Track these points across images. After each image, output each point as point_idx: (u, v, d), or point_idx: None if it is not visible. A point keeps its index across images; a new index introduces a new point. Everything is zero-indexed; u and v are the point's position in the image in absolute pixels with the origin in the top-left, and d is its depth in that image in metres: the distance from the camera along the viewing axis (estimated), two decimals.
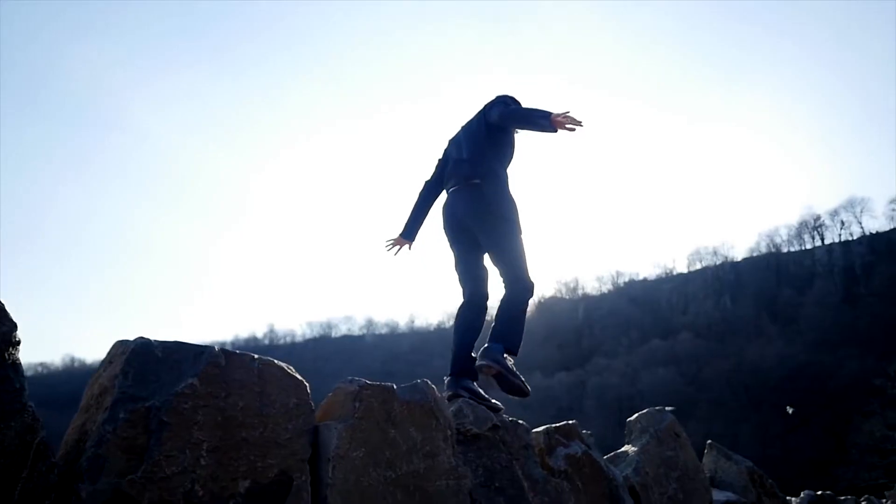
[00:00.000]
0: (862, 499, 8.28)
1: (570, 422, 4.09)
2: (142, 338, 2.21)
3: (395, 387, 2.73)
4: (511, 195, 3.80)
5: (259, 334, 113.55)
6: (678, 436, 4.99)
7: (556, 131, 3.51)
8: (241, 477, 2.20)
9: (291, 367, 2.53)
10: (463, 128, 4.06)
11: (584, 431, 4.26)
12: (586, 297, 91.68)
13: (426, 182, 4.15)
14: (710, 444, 6.14)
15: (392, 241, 4.16)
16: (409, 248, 4.19)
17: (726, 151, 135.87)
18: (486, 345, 3.56)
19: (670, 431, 4.96)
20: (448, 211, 3.89)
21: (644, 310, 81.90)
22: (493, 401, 3.55)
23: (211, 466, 2.13)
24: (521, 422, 3.54)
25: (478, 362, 3.52)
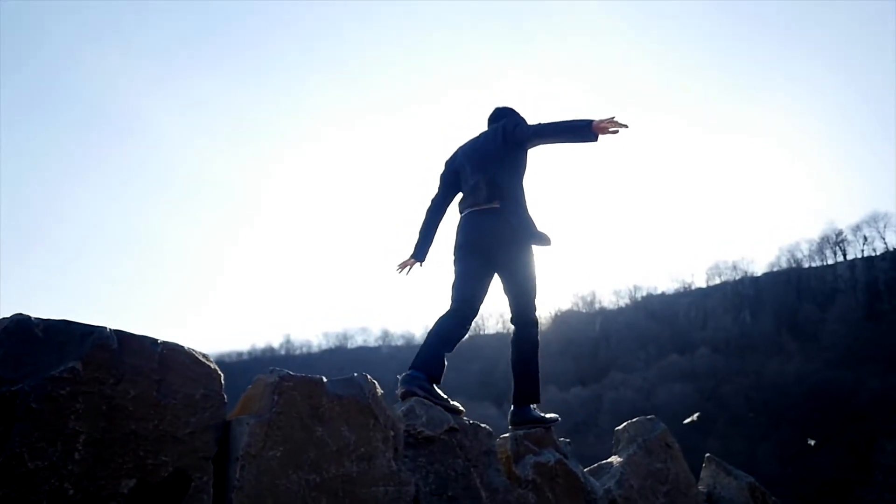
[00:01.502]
0: None
1: (546, 427, 3.78)
2: (20, 314, 1.96)
3: (323, 379, 2.44)
4: (530, 217, 3.74)
5: (275, 344, 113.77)
6: (670, 447, 4.64)
7: (597, 139, 3.46)
8: (126, 475, 1.92)
9: (207, 356, 2.26)
10: (473, 146, 3.95)
11: (561, 439, 3.95)
12: (603, 311, 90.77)
13: (433, 200, 4.08)
14: (708, 457, 5.77)
15: (404, 263, 4.07)
16: (421, 266, 4.09)
17: (746, 164, 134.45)
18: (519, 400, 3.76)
19: (661, 442, 4.61)
20: (466, 231, 3.77)
21: (662, 324, 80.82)
22: (453, 402, 3.27)
23: (87, 462, 1.86)
24: (483, 425, 3.24)
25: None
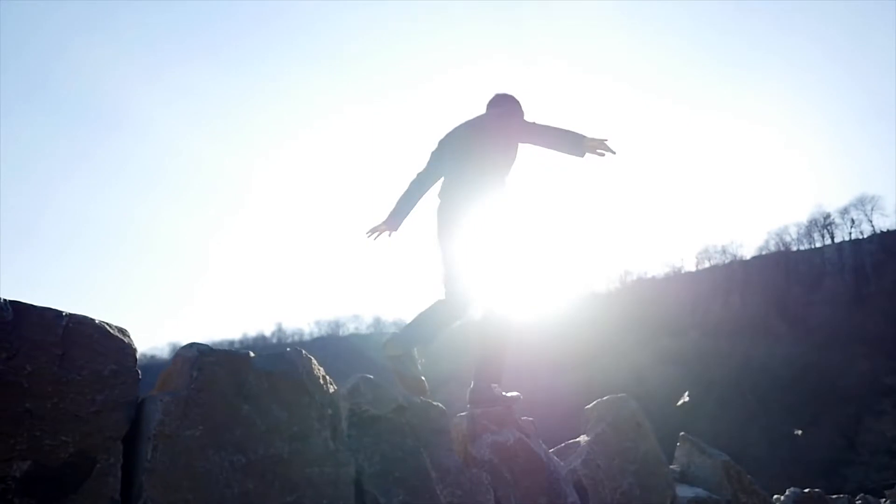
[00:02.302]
0: (857, 497, 7.77)
1: (509, 404, 3.64)
2: None
3: (250, 354, 2.29)
4: (481, 209, 3.68)
5: (267, 333, 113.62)
6: (640, 425, 4.52)
7: (583, 156, 3.48)
8: (19, 457, 1.77)
9: (124, 331, 2.10)
10: (464, 131, 3.88)
11: (525, 417, 3.81)
12: (594, 296, 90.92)
13: (418, 174, 4.01)
14: (682, 436, 5.67)
15: (375, 228, 4.01)
16: (390, 235, 4.03)
17: (736, 149, 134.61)
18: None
19: (631, 420, 4.50)
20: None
21: (652, 308, 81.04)
22: (422, 378, 3.19)
23: None
24: (436, 403, 3.10)
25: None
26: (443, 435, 3.02)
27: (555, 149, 3.60)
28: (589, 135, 3.46)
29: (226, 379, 2.19)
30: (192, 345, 2.18)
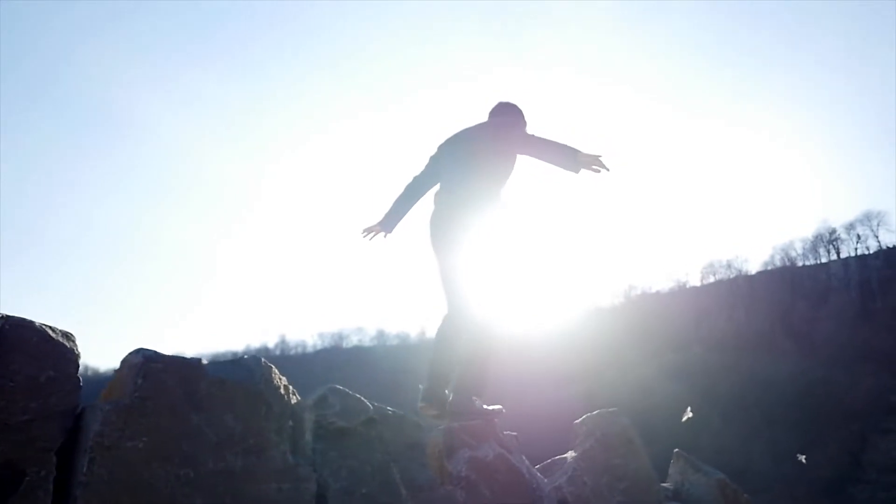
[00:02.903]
0: None
1: (490, 418, 3.50)
2: None
3: (202, 361, 2.17)
4: (476, 219, 3.63)
5: (270, 344, 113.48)
6: (631, 442, 4.37)
7: (578, 172, 3.45)
8: None
9: (69, 335, 1.98)
10: (464, 137, 3.84)
11: (508, 432, 3.67)
12: (599, 310, 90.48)
13: (415, 177, 3.98)
14: (676, 452, 5.50)
15: (369, 228, 3.98)
16: (385, 237, 4.00)
17: (742, 164, 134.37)
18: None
19: (622, 436, 4.34)
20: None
21: (656, 323, 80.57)
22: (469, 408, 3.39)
23: None
24: (411, 417, 2.96)
25: None
26: (416, 449, 2.89)
27: (551, 162, 3.57)
28: (584, 150, 3.44)
29: (174, 387, 2.06)
30: (138, 350, 2.06)
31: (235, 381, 2.22)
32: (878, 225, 73.99)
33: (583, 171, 3.47)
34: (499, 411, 3.60)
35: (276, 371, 2.39)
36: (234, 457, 2.15)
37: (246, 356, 2.32)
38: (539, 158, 3.62)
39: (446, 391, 3.46)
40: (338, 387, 2.75)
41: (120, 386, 2.03)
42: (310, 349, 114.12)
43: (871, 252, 73.55)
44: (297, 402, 2.47)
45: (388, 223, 3.95)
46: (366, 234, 3.97)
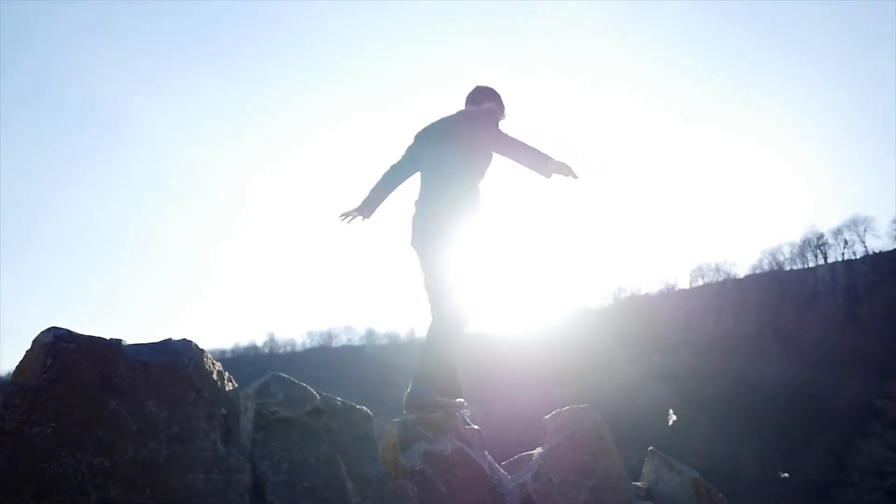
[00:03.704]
0: None
1: (450, 411, 3.37)
2: None
3: (122, 342, 2.02)
4: (458, 215, 3.65)
5: (259, 343, 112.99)
6: (601, 438, 4.24)
7: (549, 177, 3.52)
8: None
9: None
10: (439, 130, 3.86)
11: (471, 426, 3.54)
12: (587, 311, 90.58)
13: (392, 166, 4.01)
14: (651, 450, 5.38)
15: (347, 213, 3.99)
16: (363, 220, 4.02)
17: (731, 168, 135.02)
18: None
19: (592, 433, 4.22)
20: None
21: (645, 325, 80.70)
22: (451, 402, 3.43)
23: None
24: (360, 407, 2.82)
25: None
26: (366, 442, 2.75)
27: (522, 164, 3.60)
28: (554, 157, 3.50)
29: (89, 369, 1.92)
30: (49, 329, 1.91)
31: (160, 365, 2.07)
32: (864, 230, 74.49)
33: (554, 176, 3.54)
34: (460, 405, 3.47)
35: (210, 356, 2.24)
36: (157, 445, 2.01)
37: (172, 338, 2.16)
38: (510, 158, 3.65)
39: (435, 395, 3.42)
40: (282, 375, 2.61)
41: (29, 367, 1.88)
42: (299, 348, 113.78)
43: (858, 257, 74.02)
44: (233, 390, 2.32)
45: (365, 208, 3.97)
46: (344, 217, 3.97)
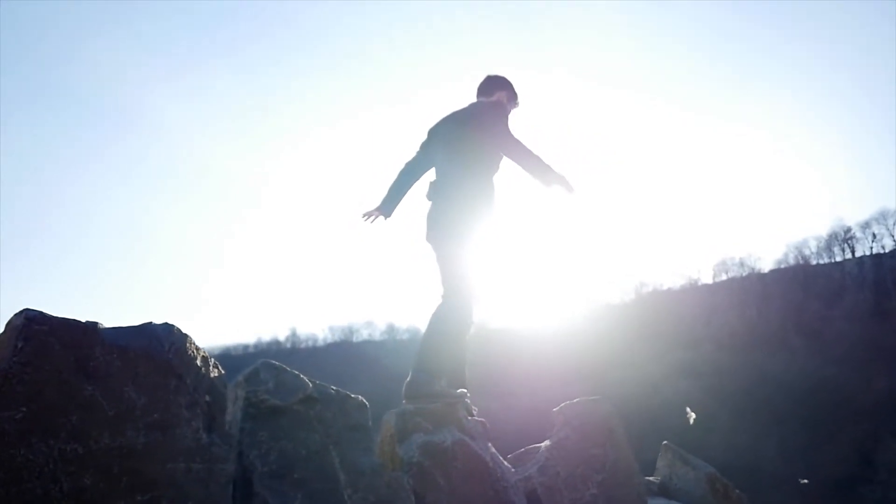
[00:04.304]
0: None
1: (452, 402, 3.27)
2: None
3: (99, 326, 1.95)
4: (469, 211, 3.65)
5: (281, 338, 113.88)
6: (612, 431, 4.13)
7: (549, 187, 3.56)
8: None
9: None
10: (450, 125, 3.87)
11: (474, 417, 3.44)
12: (609, 307, 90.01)
13: (408, 162, 4.05)
14: (665, 445, 5.26)
15: (369, 213, 4.04)
16: (385, 220, 4.07)
17: (755, 161, 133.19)
18: None
19: (602, 426, 4.10)
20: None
21: (667, 320, 79.97)
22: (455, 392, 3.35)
23: None
24: (355, 396, 2.74)
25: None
26: (360, 432, 2.66)
27: (525, 170, 3.62)
28: (555, 170, 3.57)
29: (62, 353, 1.84)
30: (22, 311, 1.84)
31: (138, 349, 1.99)
32: (893, 223, 73.01)
33: (554, 187, 3.59)
34: (462, 396, 3.37)
35: (193, 341, 2.17)
36: (134, 432, 1.93)
37: (150, 322, 2.08)
38: (515, 162, 3.66)
39: (436, 385, 3.34)
40: (273, 362, 2.54)
41: (2, 349, 1.82)
42: (320, 343, 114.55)
43: (887, 251, 72.60)
44: (219, 377, 2.24)
45: (385, 207, 4.01)
46: (366, 217, 4.03)
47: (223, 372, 2.28)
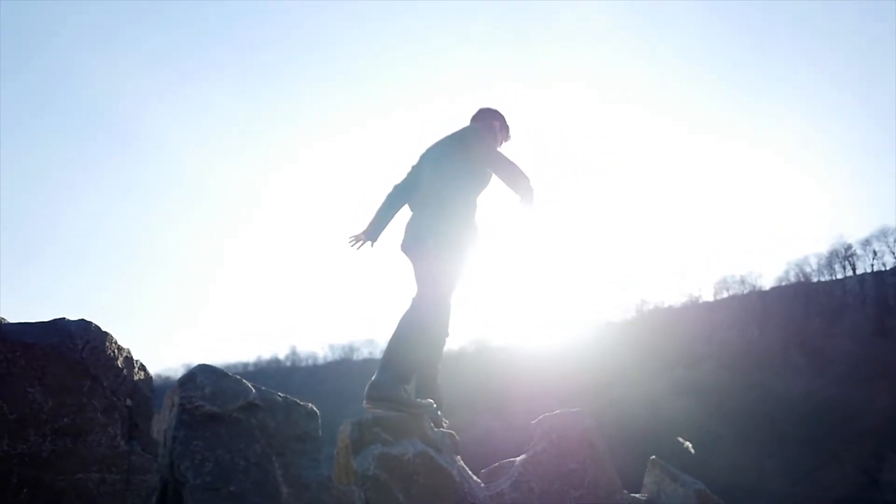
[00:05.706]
0: None
1: (417, 412, 3.08)
2: None
3: (3, 321, 1.78)
4: (454, 228, 3.59)
5: (281, 356, 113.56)
6: (593, 446, 3.92)
7: (528, 205, 3.52)
8: None
9: None
10: (439, 148, 3.84)
11: (442, 429, 3.25)
12: (610, 324, 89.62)
13: (395, 186, 4.02)
14: (652, 460, 5.03)
15: (355, 237, 4.03)
16: (371, 246, 4.05)
17: (755, 178, 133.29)
18: None
19: (582, 440, 3.90)
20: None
21: (668, 338, 79.53)
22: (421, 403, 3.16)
23: None
24: (304, 403, 2.55)
25: None
26: (308, 442, 2.47)
27: (508, 186, 3.59)
28: (535, 191, 3.53)
29: None
30: None
31: (46, 347, 1.82)
32: (894, 241, 72.74)
33: (532, 207, 3.54)
34: (429, 406, 3.18)
35: (115, 340, 1.99)
36: (39, 439, 1.76)
37: (63, 318, 1.91)
38: (499, 178, 3.63)
39: (401, 391, 3.12)
40: (211, 365, 2.36)
41: None
42: (320, 361, 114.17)
43: (888, 268, 72.30)
44: (144, 379, 2.07)
45: (372, 232, 3.99)
46: (352, 242, 4.02)
47: (150, 375, 2.10)
